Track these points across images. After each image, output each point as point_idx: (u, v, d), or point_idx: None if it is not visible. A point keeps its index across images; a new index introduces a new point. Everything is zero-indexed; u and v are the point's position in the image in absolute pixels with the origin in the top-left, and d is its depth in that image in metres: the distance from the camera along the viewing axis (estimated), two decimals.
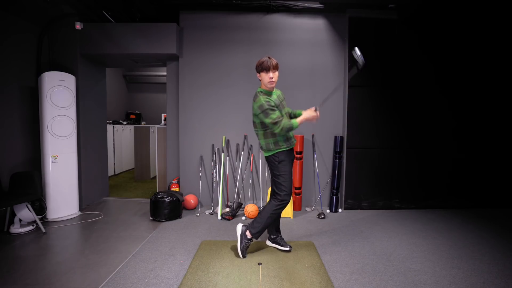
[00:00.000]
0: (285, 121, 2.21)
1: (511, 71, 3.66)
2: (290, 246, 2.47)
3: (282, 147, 2.31)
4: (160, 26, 3.56)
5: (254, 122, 2.35)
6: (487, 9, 3.56)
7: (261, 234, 2.37)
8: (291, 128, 2.23)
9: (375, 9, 3.52)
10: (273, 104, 2.22)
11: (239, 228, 2.41)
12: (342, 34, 3.69)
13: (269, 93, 2.31)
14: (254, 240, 2.44)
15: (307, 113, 2.31)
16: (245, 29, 3.69)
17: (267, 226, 2.37)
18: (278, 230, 2.55)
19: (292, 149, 2.42)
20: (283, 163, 2.33)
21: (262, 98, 2.22)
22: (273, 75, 2.22)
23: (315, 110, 2.32)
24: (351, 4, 3.48)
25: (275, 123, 2.18)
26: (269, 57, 2.24)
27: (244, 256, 2.34)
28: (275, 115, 2.18)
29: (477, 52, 3.64)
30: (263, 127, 2.29)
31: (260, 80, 2.30)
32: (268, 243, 2.59)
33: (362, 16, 3.56)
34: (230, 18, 3.68)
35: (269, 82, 2.24)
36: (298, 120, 2.26)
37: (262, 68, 2.22)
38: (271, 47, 3.70)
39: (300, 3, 3.49)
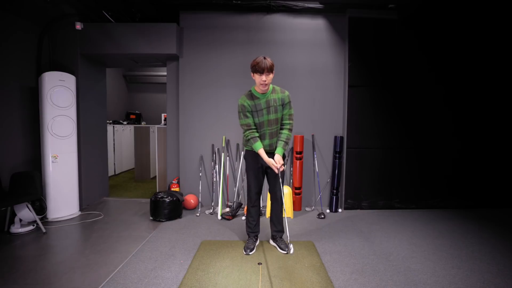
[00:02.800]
0: (249, 134, 2.30)
1: (511, 71, 3.66)
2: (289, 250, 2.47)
3: (248, 147, 2.42)
4: (160, 26, 3.56)
5: None
6: (487, 9, 3.55)
7: (249, 232, 2.54)
8: (251, 144, 2.32)
9: (375, 9, 3.52)
10: (248, 110, 2.29)
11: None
12: (342, 34, 3.69)
13: (254, 96, 2.30)
14: (249, 237, 2.56)
15: (270, 160, 2.26)
16: (245, 29, 3.69)
17: (248, 223, 2.55)
18: (278, 230, 2.56)
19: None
20: (248, 161, 2.45)
21: (241, 100, 2.33)
22: (266, 78, 2.18)
23: (278, 165, 2.26)
24: (351, 4, 3.48)
25: (243, 129, 2.36)
26: (264, 57, 2.18)
27: (246, 252, 2.43)
28: (244, 121, 2.32)
29: (477, 52, 3.64)
30: None
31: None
32: (271, 241, 2.62)
33: (362, 16, 3.56)
34: (230, 18, 3.68)
35: (261, 84, 2.22)
36: (261, 151, 2.28)
37: (255, 69, 2.18)
38: (271, 47, 3.70)
39: (300, 3, 3.49)
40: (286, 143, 2.36)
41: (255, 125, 2.34)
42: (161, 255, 2.38)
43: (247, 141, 2.35)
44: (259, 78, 2.20)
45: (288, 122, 2.39)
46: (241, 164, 3.74)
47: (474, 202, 3.76)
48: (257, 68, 2.16)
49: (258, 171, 2.43)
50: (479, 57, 3.65)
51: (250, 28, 3.69)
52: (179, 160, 3.83)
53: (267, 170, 2.45)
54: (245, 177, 3.75)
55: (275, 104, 2.30)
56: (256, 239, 2.57)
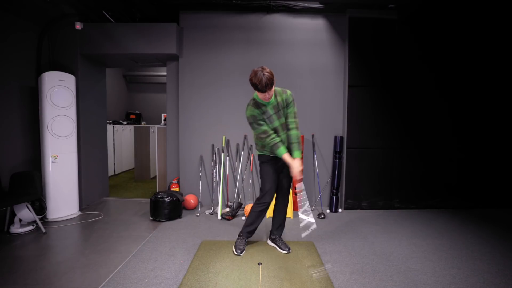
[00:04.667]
0: (270, 141, 2.22)
1: (510, 71, 3.66)
2: (289, 249, 2.46)
3: (265, 153, 2.40)
4: (160, 26, 3.56)
5: None
6: (487, 9, 3.55)
7: (247, 232, 2.48)
8: (274, 151, 2.25)
9: (375, 9, 3.52)
10: (259, 118, 2.23)
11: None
12: (342, 34, 3.69)
13: (260, 104, 2.23)
14: (241, 237, 2.50)
15: (293, 163, 2.20)
16: (245, 29, 3.69)
17: (249, 224, 2.46)
18: (278, 232, 2.55)
19: (277, 158, 2.32)
20: (264, 164, 2.42)
21: (249, 111, 2.24)
22: (269, 94, 2.12)
23: (299, 169, 2.21)
24: (351, 4, 3.48)
25: (259, 138, 2.33)
26: (262, 71, 2.02)
27: (237, 253, 2.39)
28: (260, 130, 2.25)
29: (477, 51, 3.64)
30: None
31: None
32: (269, 242, 2.61)
33: (362, 16, 3.56)
34: (230, 18, 3.68)
35: (264, 99, 2.16)
36: (286, 155, 2.21)
37: (257, 88, 2.07)
38: (271, 47, 3.70)
39: (300, 3, 3.49)
40: (299, 143, 2.31)
41: (273, 131, 2.27)
42: (161, 255, 2.38)
43: (270, 147, 2.26)
44: (261, 95, 2.14)
45: (293, 120, 2.30)
46: (241, 164, 3.75)
47: (474, 202, 3.77)
48: (259, 88, 2.05)
49: (276, 172, 2.39)
50: (479, 56, 3.64)
51: (250, 28, 3.69)
52: (179, 160, 3.83)
53: (283, 170, 2.42)
54: (245, 177, 3.75)
55: (281, 107, 2.26)
56: (247, 242, 2.56)
